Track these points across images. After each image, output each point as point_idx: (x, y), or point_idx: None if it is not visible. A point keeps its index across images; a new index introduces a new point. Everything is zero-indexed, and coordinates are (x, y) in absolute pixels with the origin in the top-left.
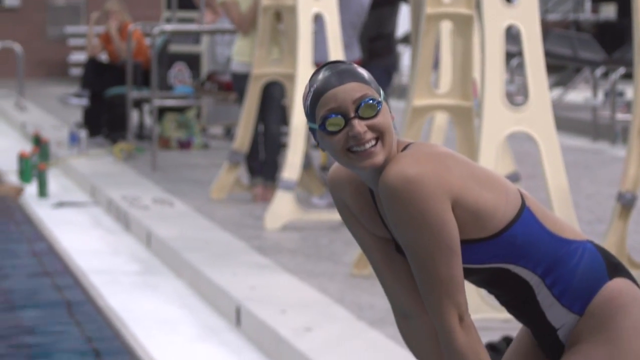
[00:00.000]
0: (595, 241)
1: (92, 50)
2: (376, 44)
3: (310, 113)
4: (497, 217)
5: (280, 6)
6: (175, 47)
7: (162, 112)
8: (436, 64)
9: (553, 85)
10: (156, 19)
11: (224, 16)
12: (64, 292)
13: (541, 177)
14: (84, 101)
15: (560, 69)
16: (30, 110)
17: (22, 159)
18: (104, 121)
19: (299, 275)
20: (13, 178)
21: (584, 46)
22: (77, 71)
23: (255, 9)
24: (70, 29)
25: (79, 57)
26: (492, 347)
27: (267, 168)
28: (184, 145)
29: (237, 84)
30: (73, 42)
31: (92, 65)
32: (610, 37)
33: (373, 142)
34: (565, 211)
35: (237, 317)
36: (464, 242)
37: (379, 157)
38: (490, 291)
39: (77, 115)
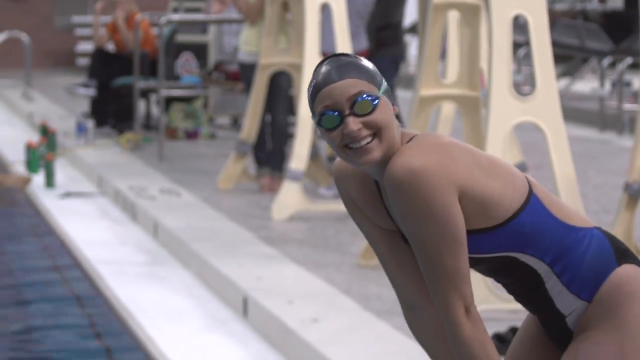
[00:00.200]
0: None
1: (98, 41)
2: (383, 34)
3: (311, 107)
4: (504, 206)
5: None
6: (182, 37)
7: (169, 102)
8: (443, 54)
9: (560, 75)
10: (163, 8)
11: (231, 6)
12: (70, 283)
13: (548, 167)
14: (91, 91)
15: (568, 59)
16: (38, 101)
17: (30, 149)
18: (111, 111)
19: (306, 266)
20: (20, 168)
21: (591, 36)
22: (84, 61)
23: None
24: (77, 18)
25: (86, 47)
26: (499, 338)
27: (274, 158)
28: (191, 135)
29: (245, 74)
30: (80, 32)
31: (99, 55)
32: (618, 27)
33: (369, 139)
34: (572, 201)
35: (244, 307)
36: (471, 232)
37: (375, 154)
38: (498, 280)
39: (84, 106)
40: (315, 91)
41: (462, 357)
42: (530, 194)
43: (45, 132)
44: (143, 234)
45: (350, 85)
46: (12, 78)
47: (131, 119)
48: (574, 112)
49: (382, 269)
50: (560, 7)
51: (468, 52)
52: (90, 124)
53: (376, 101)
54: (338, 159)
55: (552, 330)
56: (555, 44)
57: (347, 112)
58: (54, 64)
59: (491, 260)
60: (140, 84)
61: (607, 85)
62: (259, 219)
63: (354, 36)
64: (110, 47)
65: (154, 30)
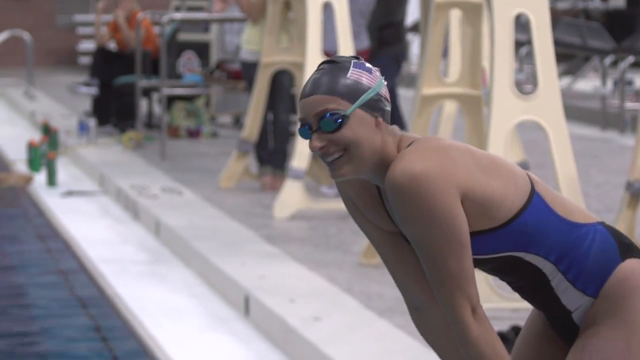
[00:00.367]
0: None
1: (100, 39)
2: (385, 33)
3: None
4: (506, 206)
5: None
6: (184, 36)
7: (171, 100)
8: (445, 53)
9: (562, 73)
10: (165, 7)
11: (233, 4)
12: (72, 281)
13: (550, 166)
14: (93, 90)
15: (570, 58)
16: (40, 99)
17: (31, 148)
18: (113, 110)
19: (308, 265)
20: (22, 167)
21: (593, 35)
22: (86, 60)
23: None
24: (79, 17)
25: (88, 45)
26: (501, 337)
27: (276, 157)
28: (193, 134)
29: (247, 73)
30: (82, 30)
31: (101, 54)
32: (620, 26)
33: (336, 155)
34: (574, 200)
35: (246, 306)
36: (473, 234)
37: (345, 169)
38: (502, 278)
39: (86, 104)
40: (299, 99)
41: (471, 357)
42: (533, 192)
43: (47, 130)
44: (145, 232)
45: (317, 103)
46: (14, 77)
47: (133, 118)
48: (576, 110)
49: (384, 267)
50: (562, 5)
51: (470, 50)
52: (92, 122)
53: (339, 120)
54: None
55: (558, 325)
56: (557, 43)
57: (314, 127)
58: (56, 63)
59: (495, 261)
60: (142, 82)
61: (609, 84)
62: (261, 218)
63: (355, 35)
64: (112, 45)
65: (156, 29)
